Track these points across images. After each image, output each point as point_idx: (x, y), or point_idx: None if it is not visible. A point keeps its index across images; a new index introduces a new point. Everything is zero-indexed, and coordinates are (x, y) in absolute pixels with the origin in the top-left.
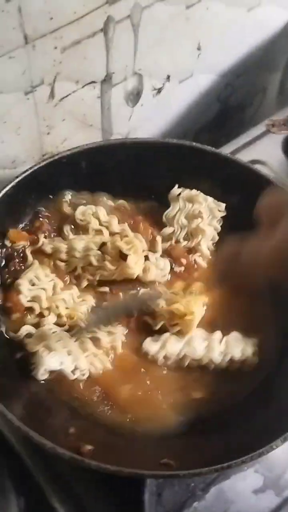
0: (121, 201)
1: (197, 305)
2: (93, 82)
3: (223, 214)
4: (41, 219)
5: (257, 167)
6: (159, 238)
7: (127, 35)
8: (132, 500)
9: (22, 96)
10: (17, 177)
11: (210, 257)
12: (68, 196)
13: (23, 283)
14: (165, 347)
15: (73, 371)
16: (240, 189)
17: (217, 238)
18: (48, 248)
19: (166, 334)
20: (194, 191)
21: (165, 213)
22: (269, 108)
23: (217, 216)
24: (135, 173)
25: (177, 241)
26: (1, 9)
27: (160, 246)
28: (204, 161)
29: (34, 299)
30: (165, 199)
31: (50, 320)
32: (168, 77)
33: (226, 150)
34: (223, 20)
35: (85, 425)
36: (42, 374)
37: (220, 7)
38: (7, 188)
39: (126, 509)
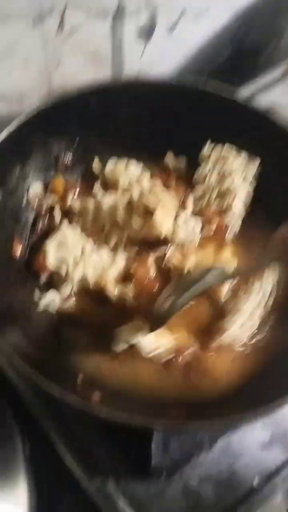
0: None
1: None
2: (105, 13)
3: (256, 172)
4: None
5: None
6: (191, 197)
7: None
8: (139, 448)
9: (30, 25)
10: (24, 115)
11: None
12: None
13: (50, 245)
14: None
15: None
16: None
17: (251, 196)
18: (76, 207)
19: None
20: (226, 147)
21: (196, 173)
22: (285, 51)
23: (250, 174)
24: (145, 120)
25: (209, 202)
26: None
27: (191, 204)
28: (220, 107)
29: (62, 262)
30: (187, 151)
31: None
32: (183, 12)
33: (242, 93)
34: None
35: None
36: None
37: None
38: (14, 126)
39: (133, 456)
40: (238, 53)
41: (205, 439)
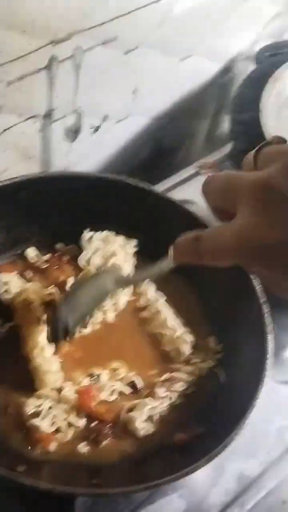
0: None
1: None
2: (35, 116)
3: (135, 249)
4: None
5: (187, 206)
6: (70, 280)
7: (69, 75)
8: None
9: None
10: None
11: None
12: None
13: None
14: None
15: None
16: (170, 225)
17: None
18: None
19: None
20: (105, 233)
21: (79, 257)
22: (198, 152)
23: (130, 252)
24: (72, 207)
25: None
26: None
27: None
28: (137, 198)
29: None
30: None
31: None
32: (106, 116)
33: (158, 188)
34: (158, 67)
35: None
36: None
37: (155, 55)
38: None
39: None
40: (155, 153)
41: (126, 510)
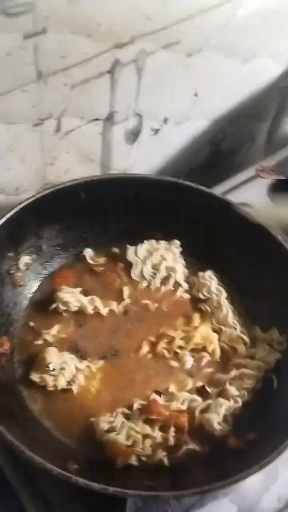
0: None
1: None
2: (97, 119)
3: (180, 249)
4: None
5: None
6: (125, 289)
7: (131, 78)
8: None
9: (30, 127)
10: (21, 203)
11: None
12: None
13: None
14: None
15: None
16: (227, 227)
17: (187, 271)
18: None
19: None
20: (145, 243)
21: (131, 271)
22: (257, 155)
23: (177, 252)
24: (130, 209)
25: (157, 288)
26: (19, 45)
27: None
28: (196, 200)
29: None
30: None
31: None
32: (166, 119)
33: (215, 191)
34: (220, 70)
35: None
36: None
37: (218, 58)
38: (11, 213)
39: None
40: (214, 156)
41: None
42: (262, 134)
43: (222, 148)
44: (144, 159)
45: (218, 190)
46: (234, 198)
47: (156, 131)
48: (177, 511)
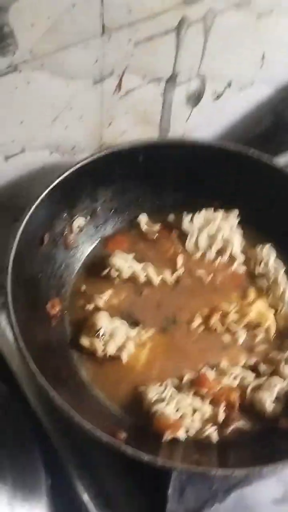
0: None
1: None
2: (159, 79)
3: (238, 219)
4: None
5: None
6: (179, 258)
7: (197, 38)
8: (156, 492)
9: (90, 84)
10: (78, 163)
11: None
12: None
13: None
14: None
15: None
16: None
17: (244, 243)
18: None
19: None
20: (202, 212)
21: (186, 243)
22: None
23: (234, 223)
24: (188, 176)
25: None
26: None
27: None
28: (257, 170)
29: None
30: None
31: None
32: (229, 83)
33: (278, 161)
34: None
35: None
36: None
37: None
38: (67, 173)
39: (148, 500)
40: (276, 125)
41: (220, 490)
42: None
43: (286, 118)
44: (204, 123)
45: (281, 160)
46: None
47: (219, 95)
48: (222, 487)
